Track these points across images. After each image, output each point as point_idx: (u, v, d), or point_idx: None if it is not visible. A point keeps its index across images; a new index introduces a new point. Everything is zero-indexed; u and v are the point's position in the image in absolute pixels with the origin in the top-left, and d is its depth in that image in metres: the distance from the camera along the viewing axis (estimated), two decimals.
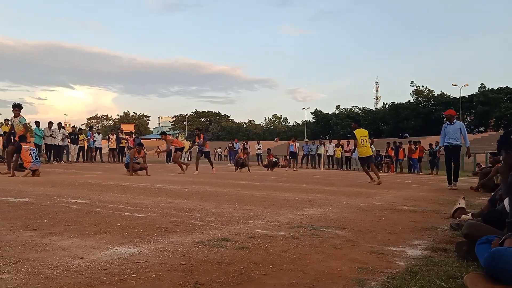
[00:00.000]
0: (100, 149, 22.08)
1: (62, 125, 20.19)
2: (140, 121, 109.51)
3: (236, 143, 28.15)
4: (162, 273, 2.18)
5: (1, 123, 17.72)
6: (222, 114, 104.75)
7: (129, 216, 4.04)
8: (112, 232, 3.22)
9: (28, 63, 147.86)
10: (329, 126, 75.37)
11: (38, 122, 18.63)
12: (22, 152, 9.55)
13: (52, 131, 18.72)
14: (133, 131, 31.95)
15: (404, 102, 68.77)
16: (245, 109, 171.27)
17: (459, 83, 53.35)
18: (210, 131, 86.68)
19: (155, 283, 2.01)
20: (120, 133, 22.87)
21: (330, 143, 24.69)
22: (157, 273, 2.16)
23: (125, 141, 22.16)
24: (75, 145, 20.36)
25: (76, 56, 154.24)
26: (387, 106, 72.95)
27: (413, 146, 21.24)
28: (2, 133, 17.11)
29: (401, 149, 21.81)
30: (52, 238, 2.93)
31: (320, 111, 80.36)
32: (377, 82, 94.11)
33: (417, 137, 39.82)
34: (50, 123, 19.06)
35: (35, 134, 18.00)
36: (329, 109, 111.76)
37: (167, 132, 16.72)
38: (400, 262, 2.55)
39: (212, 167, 14.03)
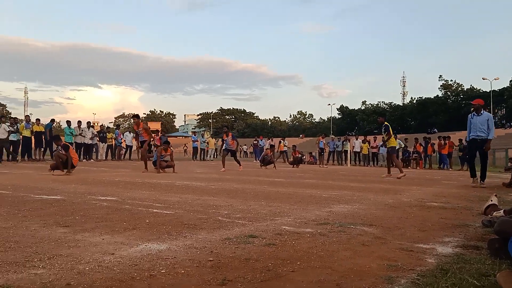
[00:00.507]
0: (130, 147, 22.47)
1: (91, 124, 20.65)
2: (166, 119, 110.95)
3: (261, 140, 28.19)
4: (191, 269, 2.21)
5: (33, 122, 18.21)
6: (247, 111, 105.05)
7: (157, 213, 4.11)
8: (141, 228, 3.28)
9: (58, 64, 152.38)
10: (355, 122, 74.59)
11: (69, 121, 19.13)
12: (70, 150, 9.83)
13: (82, 130, 19.18)
14: (160, 129, 32.43)
15: (432, 97, 67.38)
16: (270, 106, 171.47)
17: (489, 77, 51.83)
18: (235, 128, 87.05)
19: (184, 279, 2.04)
20: None
21: (356, 139, 24.42)
22: (186, 269, 2.19)
23: (152, 139, 22.46)
24: (103, 144, 20.78)
25: (103, 56, 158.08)
26: (414, 101, 71.59)
27: (442, 142, 20.76)
28: (34, 132, 17.64)
29: (429, 145, 21.36)
30: (83, 235, 3.01)
31: (346, 107, 79.65)
32: (403, 76, 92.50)
33: (446, 132, 38.89)
34: (79, 122, 19.54)
35: (66, 133, 18.51)
36: (355, 105, 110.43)
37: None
38: (430, 260, 2.50)
39: (239, 165, 14.07)
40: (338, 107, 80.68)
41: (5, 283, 1.90)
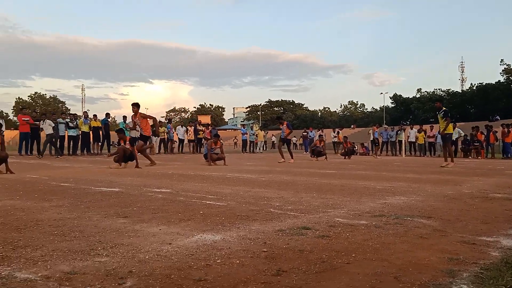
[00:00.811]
0: (182, 141, 23.00)
1: None
2: (216, 113, 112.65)
3: (310, 132, 27.95)
4: (245, 259, 2.23)
5: (91, 118, 19.12)
6: (295, 102, 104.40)
7: (210, 204, 4.18)
8: (195, 219, 3.35)
9: (111, 61, 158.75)
10: (409, 111, 71.99)
11: (125, 116, 19.85)
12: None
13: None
14: (210, 123, 33.03)
15: (494, 83, 63.71)
16: (320, 97, 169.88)
17: None
18: (284, 119, 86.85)
19: (239, 269, 2.06)
20: (197, 125, 23.65)
21: (411, 128, 23.60)
22: (241, 260, 2.22)
23: (202, 132, 22.87)
24: (156, 138, 21.39)
25: (154, 52, 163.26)
26: (474, 87, 67.98)
27: (506, 129, 19.61)
28: (92, 128, 18.55)
29: (492, 133, 20.24)
30: (142, 225, 3.12)
31: (400, 95, 77.05)
32: (462, 62, 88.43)
33: (510, 119, 36.61)
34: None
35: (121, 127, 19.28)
36: (409, 93, 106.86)
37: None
38: (495, 253, 2.38)
39: (291, 157, 14.04)
40: (391, 95, 78.29)
41: (72, 270, 2.01)
